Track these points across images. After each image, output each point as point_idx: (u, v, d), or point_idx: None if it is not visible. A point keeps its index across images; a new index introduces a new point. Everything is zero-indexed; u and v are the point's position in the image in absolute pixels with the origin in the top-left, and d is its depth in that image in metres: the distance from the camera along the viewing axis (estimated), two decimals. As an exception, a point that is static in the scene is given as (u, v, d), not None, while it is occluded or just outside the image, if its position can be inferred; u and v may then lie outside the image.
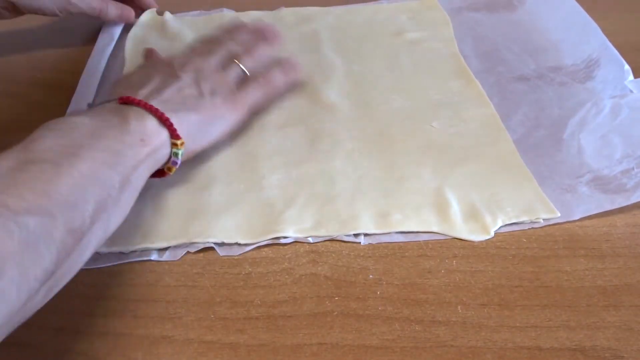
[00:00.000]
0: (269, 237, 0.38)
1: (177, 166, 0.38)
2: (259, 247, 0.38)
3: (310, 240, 0.38)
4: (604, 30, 0.52)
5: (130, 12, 0.59)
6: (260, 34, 0.48)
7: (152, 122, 0.36)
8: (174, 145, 0.37)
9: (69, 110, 0.49)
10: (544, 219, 0.38)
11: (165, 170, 0.38)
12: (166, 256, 0.37)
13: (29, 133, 0.48)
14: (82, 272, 0.36)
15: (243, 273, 0.36)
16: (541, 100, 0.48)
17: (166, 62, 0.43)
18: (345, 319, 0.33)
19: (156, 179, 0.39)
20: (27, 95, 0.54)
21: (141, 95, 0.38)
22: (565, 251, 0.36)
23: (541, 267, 0.35)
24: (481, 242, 0.37)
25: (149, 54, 0.49)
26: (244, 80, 0.44)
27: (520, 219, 0.38)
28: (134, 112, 0.36)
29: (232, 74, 0.44)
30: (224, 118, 0.42)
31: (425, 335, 0.32)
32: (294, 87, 0.49)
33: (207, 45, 0.46)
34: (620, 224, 0.38)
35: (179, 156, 0.38)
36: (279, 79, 0.47)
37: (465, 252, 0.37)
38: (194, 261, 0.37)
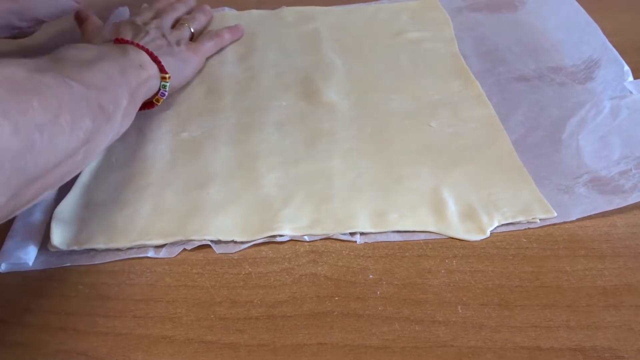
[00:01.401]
0: (265, 235, 0.38)
1: (165, 97, 0.46)
2: (258, 247, 0.38)
3: (307, 238, 0.38)
4: (604, 30, 0.52)
5: None
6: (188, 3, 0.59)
7: (145, 56, 0.44)
8: (162, 78, 0.45)
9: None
10: (540, 219, 0.38)
11: (154, 101, 0.45)
12: (163, 253, 0.38)
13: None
14: (82, 272, 0.37)
15: (243, 273, 0.36)
16: (541, 100, 0.48)
17: (128, 21, 0.51)
18: (345, 319, 0.33)
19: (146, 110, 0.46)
20: None
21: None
22: (565, 251, 0.36)
23: (541, 267, 0.35)
24: (481, 242, 0.37)
25: (84, 18, 0.54)
26: (191, 37, 0.55)
27: (517, 219, 0.38)
28: (130, 47, 0.43)
29: (186, 32, 0.54)
30: (190, 61, 0.51)
31: (425, 335, 0.32)
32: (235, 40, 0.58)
33: (153, 11, 0.55)
34: (620, 224, 0.38)
35: (167, 88, 0.45)
36: (226, 33, 0.57)
37: (465, 252, 0.37)
38: (194, 261, 0.37)
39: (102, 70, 0.37)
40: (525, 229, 0.38)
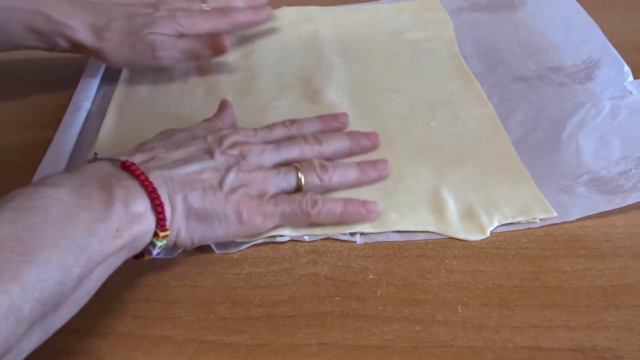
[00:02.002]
0: (265, 236, 0.38)
1: (152, 256, 0.34)
2: (258, 247, 0.38)
3: (306, 238, 0.38)
4: (603, 30, 0.52)
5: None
6: (359, 144, 0.42)
7: (141, 205, 0.32)
8: (155, 234, 0.33)
9: (67, 112, 0.49)
10: (540, 219, 0.38)
11: (139, 255, 0.34)
12: (163, 253, 0.37)
13: (28, 133, 0.49)
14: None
15: (243, 273, 0.36)
16: (541, 100, 0.48)
17: (219, 135, 0.39)
18: (345, 319, 0.33)
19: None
20: (28, 96, 0.54)
21: (156, 162, 0.35)
22: (565, 251, 0.36)
23: (541, 267, 0.35)
24: (481, 242, 0.37)
25: (222, 107, 0.45)
26: (292, 191, 0.38)
27: (517, 219, 0.38)
28: (126, 189, 0.32)
29: (282, 181, 0.38)
30: (230, 222, 0.35)
31: (425, 335, 0.32)
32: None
33: (287, 134, 0.42)
34: (620, 224, 0.38)
35: (156, 248, 0.33)
36: (332, 211, 0.37)
37: (465, 252, 0.37)
38: (194, 261, 0.37)
39: (24, 284, 0.26)
40: (526, 229, 0.38)
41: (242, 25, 0.53)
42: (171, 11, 0.49)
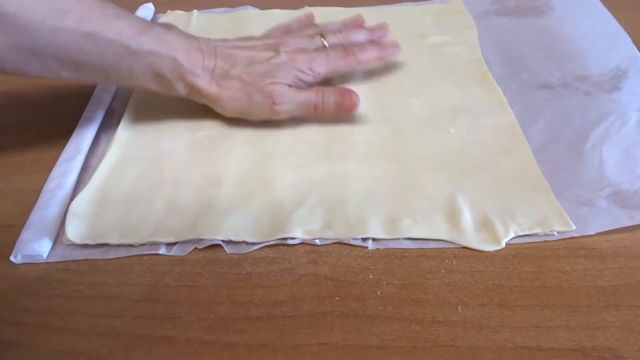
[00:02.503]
0: (276, 237, 0.37)
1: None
2: (259, 247, 0.38)
3: (318, 242, 0.38)
4: (633, 39, 0.51)
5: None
6: None
7: None
8: None
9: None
10: (558, 232, 0.37)
11: None
12: (174, 251, 0.37)
13: (30, 133, 0.49)
14: (83, 272, 0.37)
15: (243, 273, 0.36)
16: (564, 109, 0.46)
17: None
18: (345, 319, 0.33)
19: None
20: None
21: None
22: (565, 251, 0.36)
23: (541, 267, 0.35)
24: (481, 242, 0.37)
25: None
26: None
27: (534, 231, 0.37)
28: None
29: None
30: None
31: (425, 335, 0.32)
32: None
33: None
34: (621, 224, 0.38)
35: None
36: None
37: (465, 252, 0.37)
38: (194, 261, 0.37)
39: None
40: (543, 241, 0.37)
41: (366, 63, 0.49)
42: (291, 54, 0.46)
